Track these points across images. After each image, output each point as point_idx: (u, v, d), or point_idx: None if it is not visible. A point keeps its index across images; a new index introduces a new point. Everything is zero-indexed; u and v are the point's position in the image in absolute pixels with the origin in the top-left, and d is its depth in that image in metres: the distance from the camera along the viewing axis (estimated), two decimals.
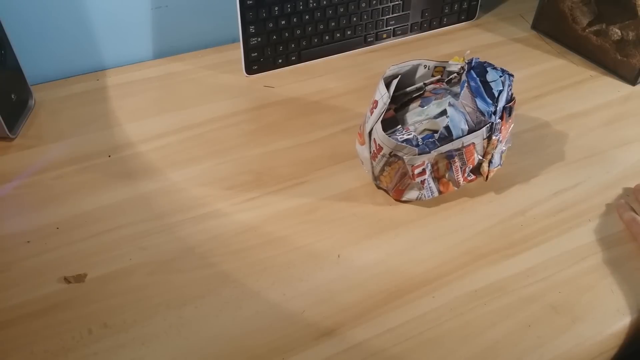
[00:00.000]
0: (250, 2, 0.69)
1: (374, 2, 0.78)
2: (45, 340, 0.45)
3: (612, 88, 0.74)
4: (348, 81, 0.74)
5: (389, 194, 0.57)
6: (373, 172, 0.56)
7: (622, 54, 0.74)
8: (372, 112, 0.54)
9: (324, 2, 0.74)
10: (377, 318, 0.47)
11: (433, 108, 0.57)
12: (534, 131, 0.67)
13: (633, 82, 0.74)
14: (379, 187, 0.58)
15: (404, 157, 0.51)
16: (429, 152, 0.51)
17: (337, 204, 0.57)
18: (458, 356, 0.44)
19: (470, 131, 0.52)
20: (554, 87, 0.73)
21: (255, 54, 0.74)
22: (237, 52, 0.73)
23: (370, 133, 0.54)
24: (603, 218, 0.56)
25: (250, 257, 0.51)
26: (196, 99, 0.71)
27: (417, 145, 0.51)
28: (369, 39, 0.81)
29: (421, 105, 0.58)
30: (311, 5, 0.74)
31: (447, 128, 0.51)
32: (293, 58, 0.77)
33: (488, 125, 0.52)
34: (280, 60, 0.76)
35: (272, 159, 0.62)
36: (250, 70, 0.75)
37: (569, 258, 0.52)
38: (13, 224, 0.54)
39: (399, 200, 0.56)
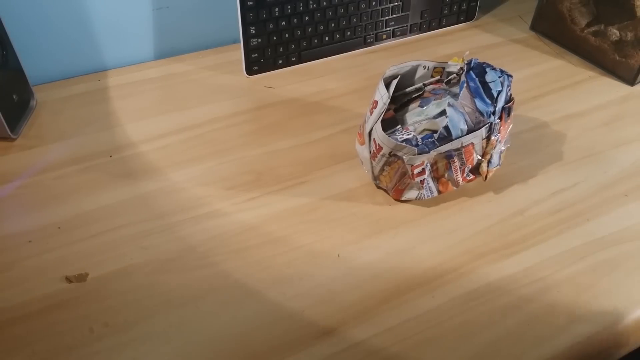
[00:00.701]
0: (251, 3, 0.69)
1: (374, 3, 0.78)
2: (46, 340, 0.45)
3: (610, 88, 0.74)
4: (348, 82, 0.75)
5: (388, 193, 0.57)
6: (373, 172, 0.56)
7: (621, 54, 0.74)
8: (371, 112, 0.54)
9: (324, 3, 0.74)
10: (376, 317, 0.47)
11: (432, 108, 0.57)
12: (533, 131, 0.67)
13: (631, 83, 0.74)
14: (378, 187, 0.58)
15: (404, 157, 0.52)
16: (429, 152, 0.51)
17: (337, 204, 0.57)
18: (457, 355, 0.45)
19: (469, 131, 0.52)
20: (552, 88, 0.74)
21: (256, 54, 0.74)
22: (238, 53, 0.74)
23: (370, 133, 0.54)
24: (601, 218, 0.56)
25: (250, 257, 0.52)
26: (197, 100, 0.71)
27: (417, 145, 0.52)
28: (368, 40, 0.81)
29: (420, 106, 0.58)
30: (311, 6, 0.74)
31: (446, 128, 0.51)
32: (293, 59, 0.77)
33: (487, 125, 0.52)
34: (280, 61, 0.76)
35: (273, 159, 0.62)
36: (250, 70, 0.75)
37: (567, 257, 0.52)
38: (15, 224, 0.54)
39: (398, 199, 0.57)
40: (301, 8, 0.73)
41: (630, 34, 0.72)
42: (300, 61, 0.78)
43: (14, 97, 0.64)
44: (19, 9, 0.69)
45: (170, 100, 0.71)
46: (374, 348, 0.45)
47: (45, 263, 0.51)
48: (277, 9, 0.72)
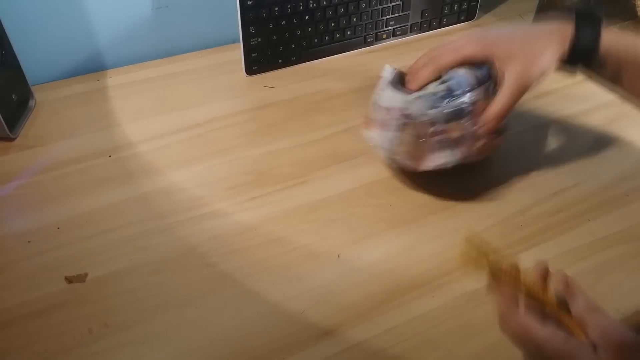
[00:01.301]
0: (251, 2, 0.69)
1: (374, 2, 0.78)
2: (45, 340, 0.45)
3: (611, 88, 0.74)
4: (348, 81, 0.75)
5: (410, 169, 0.56)
6: (390, 149, 0.55)
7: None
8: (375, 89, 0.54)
9: (324, 3, 0.74)
10: (377, 318, 0.47)
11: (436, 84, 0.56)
12: (534, 131, 0.67)
13: None
14: (398, 166, 0.56)
15: (417, 115, 0.51)
16: (440, 107, 0.51)
17: (337, 204, 0.57)
18: (458, 356, 0.44)
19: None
20: (553, 88, 0.74)
21: (256, 54, 0.74)
22: (238, 53, 0.74)
23: (378, 106, 0.54)
24: (602, 218, 0.56)
25: (250, 257, 0.51)
26: (196, 99, 0.71)
27: (427, 101, 0.51)
28: (368, 40, 0.81)
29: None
30: (311, 5, 0.74)
31: (449, 87, 0.51)
32: (293, 58, 0.77)
33: (488, 83, 0.52)
34: (280, 61, 0.76)
35: (272, 159, 0.62)
36: (250, 70, 0.75)
37: (568, 258, 0.52)
38: (14, 224, 0.54)
39: (421, 170, 0.55)
40: (301, 7, 0.73)
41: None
42: (300, 61, 0.77)
43: (13, 97, 0.64)
44: (18, 9, 0.69)
45: (170, 100, 0.71)
46: (374, 349, 0.45)
47: (45, 263, 0.51)
48: (277, 9, 0.72)
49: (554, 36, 0.51)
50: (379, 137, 0.56)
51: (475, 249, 0.38)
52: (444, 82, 0.54)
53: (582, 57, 0.51)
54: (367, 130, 0.57)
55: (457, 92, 0.52)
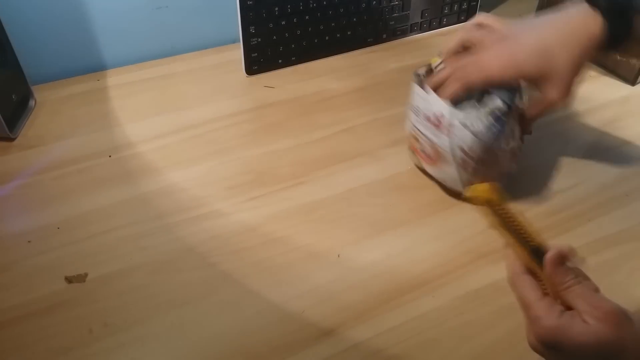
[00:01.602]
0: (251, 2, 0.69)
1: (374, 2, 0.78)
2: (45, 340, 0.45)
3: (611, 88, 0.74)
4: (348, 81, 0.75)
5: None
6: (466, 182, 0.54)
7: (622, 54, 0.74)
8: (437, 126, 0.52)
9: (324, 2, 0.74)
10: (377, 318, 0.47)
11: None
12: (533, 132, 0.66)
13: (632, 82, 0.74)
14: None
15: (498, 147, 0.51)
16: (507, 127, 0.51)
17: (337, 204, 0.57)
18: (458, 356, 0.44)
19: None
20: None
21: (256, 54, 0.74)
22: (238, 53, 0.74)
23: (445, 147, 0.52)
24: (602, 218, 0.56)
25: (250, 257, 0.51)
26: (196, 99, 0.71)
27: (499, 130, 0.51)
28: (369, 39, 0.81)
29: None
30: (311, 5, 0.74)
31: (507, 103, 0.51)
32: (293, 58, 0.77)
33: (520, 90, 0.53)
34: (280, 61, 0.76)
35: (273, 159, 0.62)
36: (250, 70, 0.75)
37: None
38: (14, 224, 0.54)
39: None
40: (301, 7, 0.73)
41: None
42: (300, 61, 0.77)
43: (13, 96, 0.64)
44: (18, 9, 0.69)
45: (170, 100, 0.71)
46: (374, 349, 0.45)
47: (45, 263, 0.51)
48: (277, 8, 0.72)
49: (582, 37, 0.49)
50: (452, 175, 0.54)
51: (486, 194, 0.39)
52: (484, 95, 0.52)
53: (612, 46, 0.49)
54: (433, 167, 0.56)
55: (510, 106, 0.51)
